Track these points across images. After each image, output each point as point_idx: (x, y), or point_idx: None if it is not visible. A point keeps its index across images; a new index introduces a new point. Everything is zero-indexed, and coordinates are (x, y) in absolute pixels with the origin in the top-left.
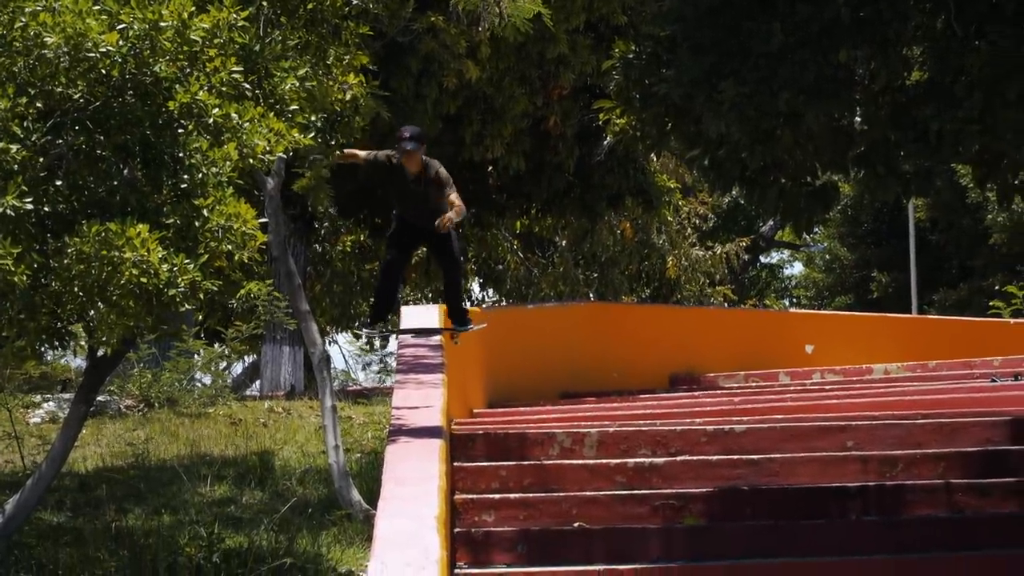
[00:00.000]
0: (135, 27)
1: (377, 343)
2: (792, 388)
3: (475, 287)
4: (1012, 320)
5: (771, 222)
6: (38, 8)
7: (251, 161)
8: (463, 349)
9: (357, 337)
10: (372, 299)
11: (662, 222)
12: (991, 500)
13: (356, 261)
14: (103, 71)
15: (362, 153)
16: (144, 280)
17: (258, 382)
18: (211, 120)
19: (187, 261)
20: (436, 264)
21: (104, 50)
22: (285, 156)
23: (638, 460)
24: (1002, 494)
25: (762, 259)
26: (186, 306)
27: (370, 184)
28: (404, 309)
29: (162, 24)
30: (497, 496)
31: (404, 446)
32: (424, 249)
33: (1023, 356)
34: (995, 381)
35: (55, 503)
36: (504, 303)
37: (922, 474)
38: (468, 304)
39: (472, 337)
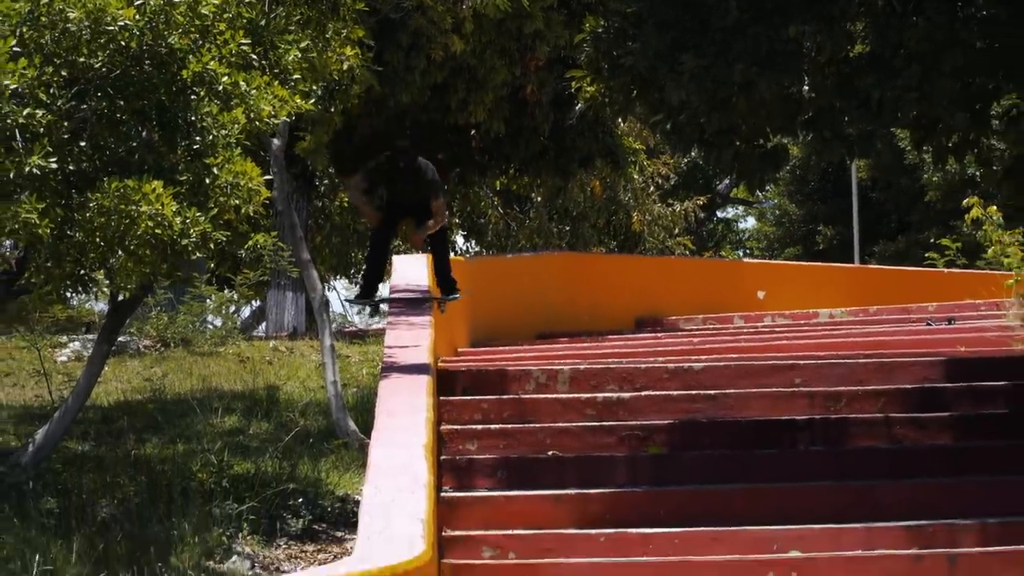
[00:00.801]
0: (151, 2)
1: (368, 311)
2: (745, 330)
3: (459, 239)
4: (945, 270)
5: (727, 180)
6: None
7: (257, 124)
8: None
9: (351, 303)
10: (363, 272)
11: (628, 181)
12: (927, 432)
13: (352, 215)
14: (122, 43)
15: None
16: (159, 232)
17: (264, 324)
18: (221, 87)
19: (199, 214)
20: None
21: (123, 23)
22: (288, 120)
23: (606, 395)
24: (937, 427)
25: (718, 214)
26: (198, 255)
27: (365, 145)
28: (396, 259)
29: (176, 0)
30: (479, 427)
31: (395, 382)
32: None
33: (956, 302)
34: (930, 324)
35: (80, 434)
36: (485, 253)
37: (864, 409)
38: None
39: (458, 280)
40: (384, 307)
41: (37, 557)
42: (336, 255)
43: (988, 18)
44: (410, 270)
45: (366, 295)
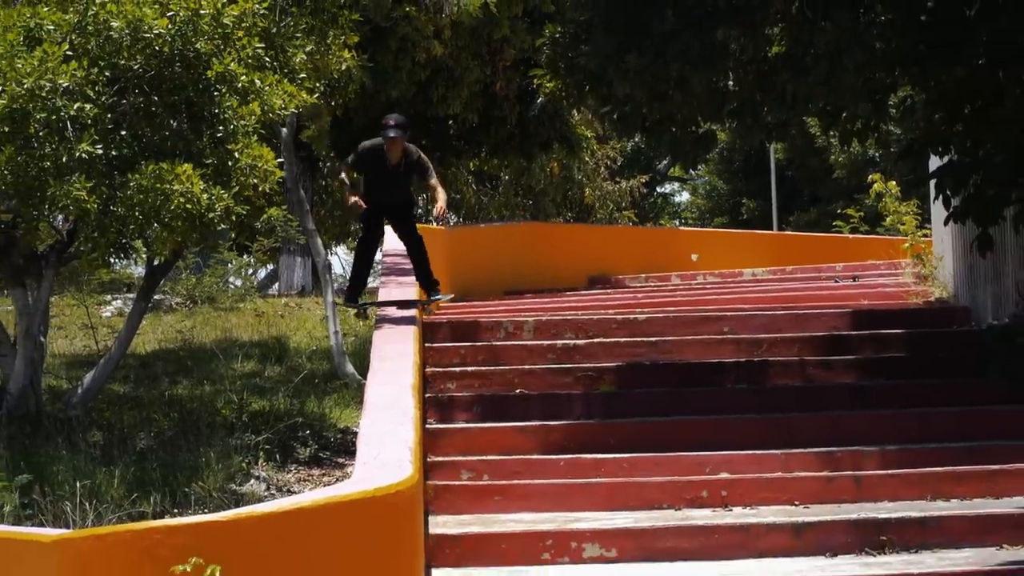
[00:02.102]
0: (181, 14)
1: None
2: (681, 287)
3: None
4: (850, 236)
5: (665, 161)
6: (105, 1)
7: (270, 116)
8: (431, 257)
9: (338, 304)
10: (351, 276)
11: (581, 162)
12: (835, 373)
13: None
14: (156, 48)
15: (348, 180)
16: (189, 206)
17: (276, 284)
18: (240, 85)
19: (222, 192)
20: (400, 238)
21: (157, 31)
22: (296, 112)
23: (564, 341)
24: (843, 368)
25: (658, 189)
26: (222, 226)
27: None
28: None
29: (202, 12)
30: (458, 369)
31: (387, 331)
32: None
33: (859, 263)
34: (837, 282)
35: (121, 377)
36: (462, 223)
37: (781, 353)
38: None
39: (439, 248)
40: (369, 311)
41: (85, 482)
42: (337, 225)
43: (886, 22)
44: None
45: (352, 298)
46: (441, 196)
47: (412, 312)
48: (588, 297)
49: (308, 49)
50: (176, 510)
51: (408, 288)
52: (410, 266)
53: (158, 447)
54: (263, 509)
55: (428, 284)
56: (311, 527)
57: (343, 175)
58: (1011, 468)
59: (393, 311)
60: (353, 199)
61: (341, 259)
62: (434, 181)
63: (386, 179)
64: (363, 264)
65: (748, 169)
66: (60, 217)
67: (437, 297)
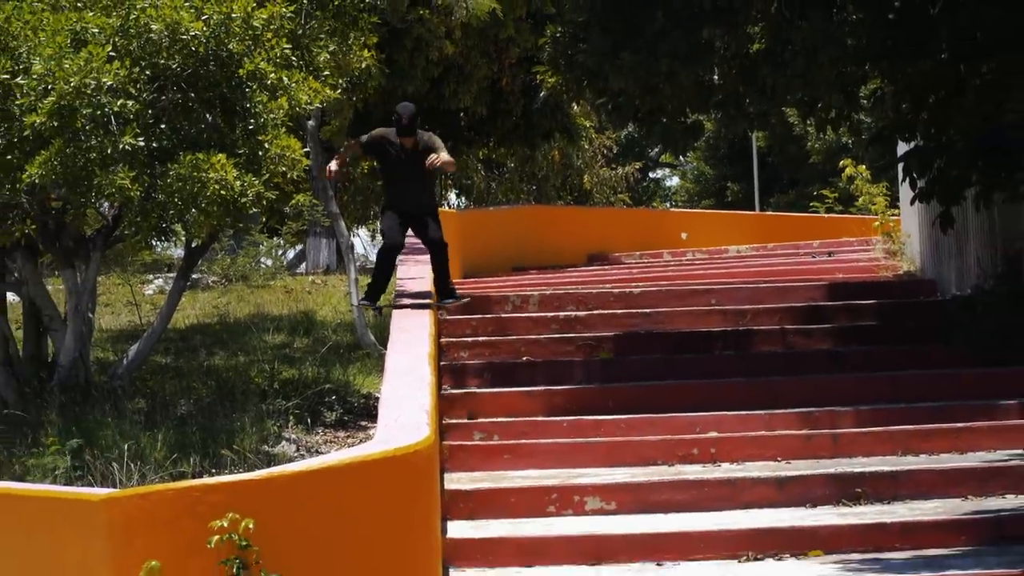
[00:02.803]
0: (215, 17)
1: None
2: (672, 263)
3: (452, 196)
4: (826, 215)
5: (656, 149)
6: (145, 5)
7: (297, 110)
8: (446, 236)
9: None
10: (371, 280)
11: (580, 150)
12: (813, 340)
13: (371, 178)
14: (192, 48)
15: (349, 148)
16: (224, 192)
17: (304, 263)
18: (269, 82)
19: (254, 179)
20: (423, 242)
21: (193, 34)
22: (320, 106)
23: (566, 313)
24: (820, 336)
25: (650, 175)
26: (253, 210)
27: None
28: (400, 267)
29: (233, 15)
30: (470, 339)
31: (411, 260)
32: None
33: (834, 240)
34: (814, 257)
35: (163, 349)
36: (472, 206)
37: (764, 322)
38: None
39: (452, 229)
40: (385, 309)
41: (130, 444)
42: (359, 209)
43: (857, 21)
44: (413, 275)
45: (371, 299)
46: (447, 158)
47: (427, 286)
48: (587, 273)
49: (331, 49)
50: (213, 470)
51: (424, 265)
52: (425, 294)
53: (197, 413)
54: (293, 468)
55: (444, 291)
56: (337, 484)
57: (349, 143)
58: (974, 426)
59: (410, 285)
60: (332, 167)
61: (363, 240)
62: (444, 154)
63: (401, 165)
64: (384, 271)
65: (732, 155)
66: (106, 204)
67: (448, 301)
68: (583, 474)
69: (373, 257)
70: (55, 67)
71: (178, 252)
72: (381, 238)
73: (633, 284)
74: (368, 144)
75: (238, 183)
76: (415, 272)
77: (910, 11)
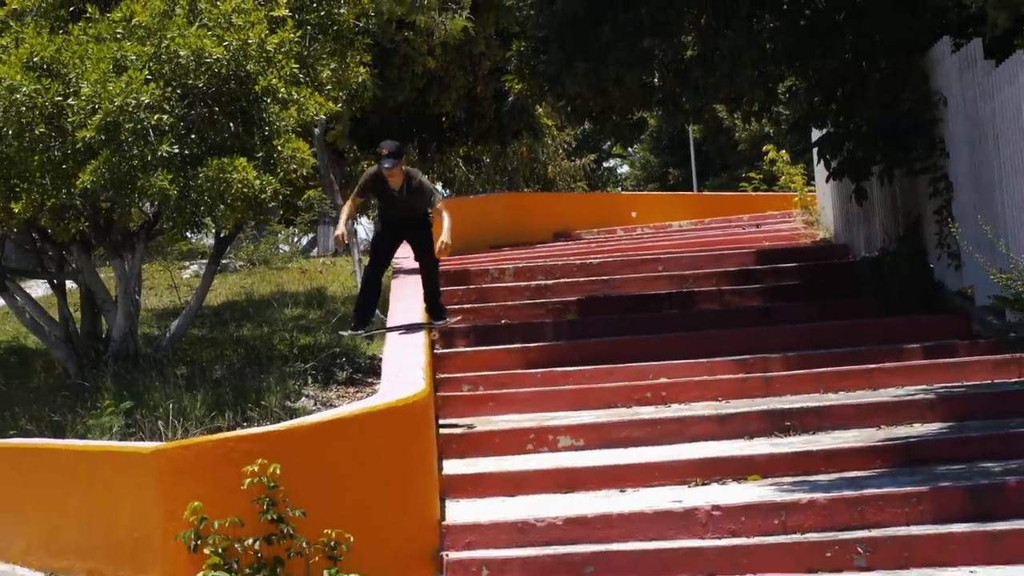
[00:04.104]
0: (233, 43)
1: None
2: (625, 237)
3: (439, 186)
4: (753, 193)
5: (608, 142)
6: (175, 35)
7: (305, 118)
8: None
9: (340, 336)
10: (357, 303)
11: (544, 146)
12: (745, 298)
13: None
14: (216, 70)
15: (349, 209)
16: (246, 190)
17: (316, 248)
18: (281, 96)
19: (271, 178)
20: (416, 258)
21: (215, 58)
22: (324, 116)
23: (537, 282)
24: (752, 295)
25: (604, 164)
26: (271, 204)
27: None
28: (393, 284)
29: (249, 41)
30: (456, 306)
31: (402, 279)
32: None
33: (760, 214)
34: (744, 229)
35: (199, 323)
36: (455, 195)
37: (703, 284)
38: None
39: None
40: (377, 335)
41: (174, 404)
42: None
43: (773, 28)
44: (404, 300)
45: (360, 326)
46: (446, 225)
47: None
48: (554, 248)
49: (332, 67)
50: (245, 423)
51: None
52: (419, 326)
53: (229, 376)
54: (312, 420)
55: (435, 310)
56: (349, 432)
57: (348, 203)
58: (884, 367)
59: (405, 264)
60: (338, 231)
61: (364, 227)
62: (440, 206)
63: (392, 200)
64: (370, 291)
65: (672, 146)
66: (147, 203)
67: (440, 322)
68: (555, 417)
69: None
70: (101, 89)
71: (209, 241)
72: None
73: (592, 256)
74: (363, 190)
75: (257, 182)
76: (407, 292)
77: (819, 18)
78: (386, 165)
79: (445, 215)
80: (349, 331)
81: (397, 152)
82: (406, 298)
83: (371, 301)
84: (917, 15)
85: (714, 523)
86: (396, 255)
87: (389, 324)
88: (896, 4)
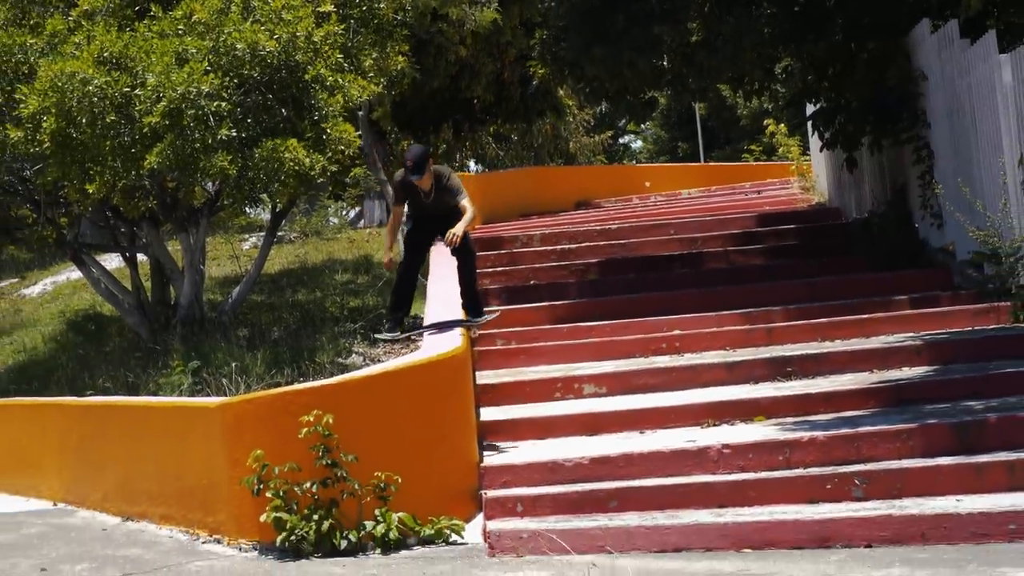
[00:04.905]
0: (284, 36)
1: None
2: (640, 205)
3: (471, 164)
4: (754, 163)
5: (623, 120)
6: (231, 30)
7: (350, 103)
8: (468, 192)
9: (375, 343)
10: (391, 303)
11: (566, 124)
12: (748, 257)
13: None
14: (268, 61)
15: (394, 220)
16: (298, 168)
17: (362, 220)
18: (328, 83)
19: (320, 157)
20: (452, 253)
21: (268, 50)
22: (368, 99)
23: (562, 246)
24: (754, 254)
25: (620, 140)
26: (321, 180)
27: (415, 112)
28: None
29: (298, 34)
30: (489, 269)
31: (439, 246)
32: None
33: (761, 181)
34: (747, 195)
35: (258, 290)
36: (487, 171)
37: (711, 246)
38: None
39: (471, 188)
40: (415, 335)
41: (236, 363)
42: None
43: (770, 14)
44: (440, 298)
45: (394, 327)
46: (466, 216)
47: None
48: (576, 216)
49: (374, 56)
50: (301, 379)
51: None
52: (453, 324)
53: (286, 336)
54: (361, 374)
55: (472, 307)
56: (396, 384)
57: (392, 216)
58: (875, 316)
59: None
60: (387, 257)
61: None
62: (465, 202)
63: (422, 200)
64: (404, 290)
65: (681, 122)
66: (209, 182)
67: (478, 319)
68: (580, 367)
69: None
70: (165, 80)
71: (265, 216)
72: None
73: (611, 222)
74: (400, 198)
75: (308, 160)
76: (443, 289)
77: (811, 4)
78: (413, 179)
79: (468, 210)
80: (384, 334)
81: (421, 161)
82: (442, 296)
83: (405, 300)
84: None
85: (724, 460)
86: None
87: (425, 323)
88: None
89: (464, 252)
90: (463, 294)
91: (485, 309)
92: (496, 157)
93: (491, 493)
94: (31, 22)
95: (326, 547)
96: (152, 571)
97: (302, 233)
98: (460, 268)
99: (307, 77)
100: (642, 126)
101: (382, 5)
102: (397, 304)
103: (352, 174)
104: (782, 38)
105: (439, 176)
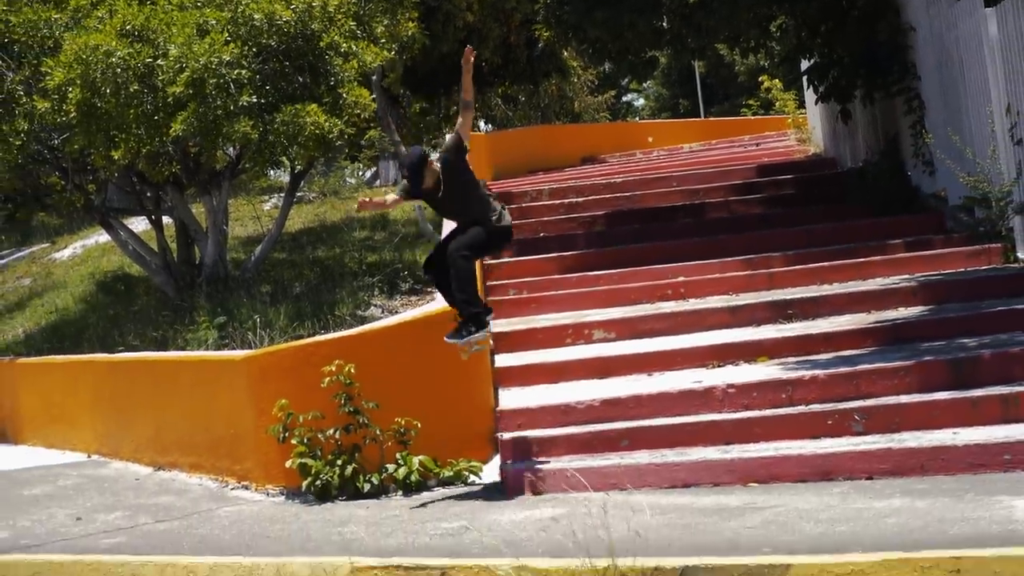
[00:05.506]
0: (300, 6)
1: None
2: (643, 159)
3: (481, 124)
4: (752, 117)
5: (626, 79)
6: (248, 1)
7: (364, 68)
8: (478, 157)
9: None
10: (473, 298)
11: (571, 84)
12: (750, 206)
13: (420, 116)
14: (285, 30)
15: (390, 199)
16: (316, 132)
17: (378, 179)
18: (342, 50)
19: (337, 120)
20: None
21: (285, 19)
22: (381, 65)
23: (570, 200)
24: (755, 204)
25: (623, 98)
26: (338, 143)
27: (425, 76)
28: None
29: (314, 4)
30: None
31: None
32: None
33: (759, 134)
34: (746, 148)
35: (280, 248)
36: (496, 130)
37: (713, 196)
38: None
39: (483, 147)
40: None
41: (260, 318)
42: (412, 137)
43: None
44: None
45: (473, 325)
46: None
47: None
48: (582, 171)
49: (385, 23)
50: (323, 331)
51: None
52: None
53: (308, 291)
54: (380, 324)
55: (467, 319)
56: (413, 334)
57: (391, 196)
58: (871, 260)
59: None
60: (369, 199)
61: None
62: (457, 123)
63: (438, 199)
64: (441, 291)
65: (681, 80)
66: (230, 146)
67: (468, 338)
68: (589, 314)
69: None
70: (187, 51)
71: (285, 178)
72: None
73: (616, 176)
74: (406, 197)
75: (326, 124)
76: None
77: None
78: (414, 182)
79: (463, 120)
80: (482, 330)
81: (416, 164)
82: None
83: (445, 295)
84: None
85: (729, 399)
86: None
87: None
88: None
89: (451, 258)
90: (456, 303)
91: (487, 322)
92: (505, 117)
93: (507, 435)
94: None
95: (350, 490)
96: (183, 517)
97: (320, 193)
98: (451, 274)
99: (322, 44)
100: (644, 84)
101: None
102: (475, 294)
103: (367, 136)
104: None
105: (442, 168)
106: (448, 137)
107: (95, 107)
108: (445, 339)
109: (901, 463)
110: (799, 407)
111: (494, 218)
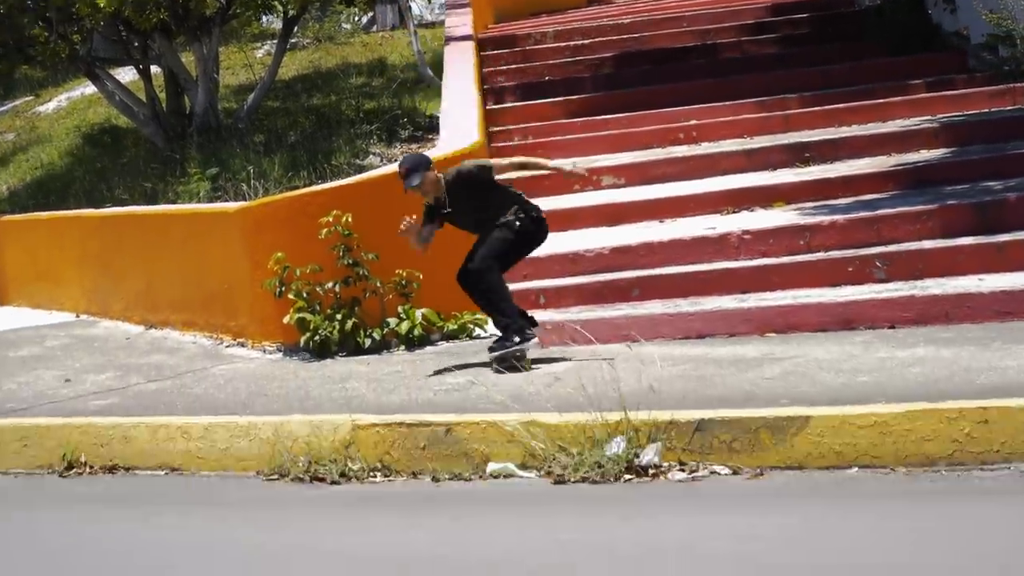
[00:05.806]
0: None
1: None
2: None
3: None
4: None
5: None
6: None
7: None
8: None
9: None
10: (510, 309)
11: None
12: (763, 47)
13: None
14: None
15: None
16: None
17: (375, 24)
18: None
19: None
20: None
21: None
22: None
23: (575, 42)
24: (769, 44)
25: None
26: None
27: None
28: None
29: None
30: (504, 67)
31: (453, 46)
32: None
33: None
34: None
35: (273, 96)
36: None
37: (724, 36)
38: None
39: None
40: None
41: (254, 168)
42: None
43: None
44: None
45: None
46: (549, 163)
47: (468, 31)
48: (588, 12)
49: None
50: (319, 181)
51: (465, 15)
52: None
53: (303, 140)
54: (378, 173)
55: (503, 333)
56: None
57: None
58: (891, 101)
59: (455, 31)
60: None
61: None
62: (506, 163)
63: (447, 215)
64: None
65: None
66: None
67: (511, 349)
68: (598, 159)
69: (428, 16)
70: None
71: (278, 23)
72: None
73: (623, 17)
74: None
75: None
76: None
77: None
78: (406, 189)
79: (532, 159)
80: (525, 342)
81: (412, 168)
82: (458, 90)
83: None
84: None
85: (745, 246)
86: None
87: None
88: None
89: (471, 274)
90: (488, 305)
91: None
92: None
93: (513, 286)
94: None
95: (350, 346)
96: (176, 376)
97: (315, 39)
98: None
99: None
100: None
101: None
102: (508, 309)
103: None
104: None
105: (450, 180)
106: (477, 162)
107: None
108: (488, 354)
109: (925, 311)
110: (818, 253)
111: (518, 219)
